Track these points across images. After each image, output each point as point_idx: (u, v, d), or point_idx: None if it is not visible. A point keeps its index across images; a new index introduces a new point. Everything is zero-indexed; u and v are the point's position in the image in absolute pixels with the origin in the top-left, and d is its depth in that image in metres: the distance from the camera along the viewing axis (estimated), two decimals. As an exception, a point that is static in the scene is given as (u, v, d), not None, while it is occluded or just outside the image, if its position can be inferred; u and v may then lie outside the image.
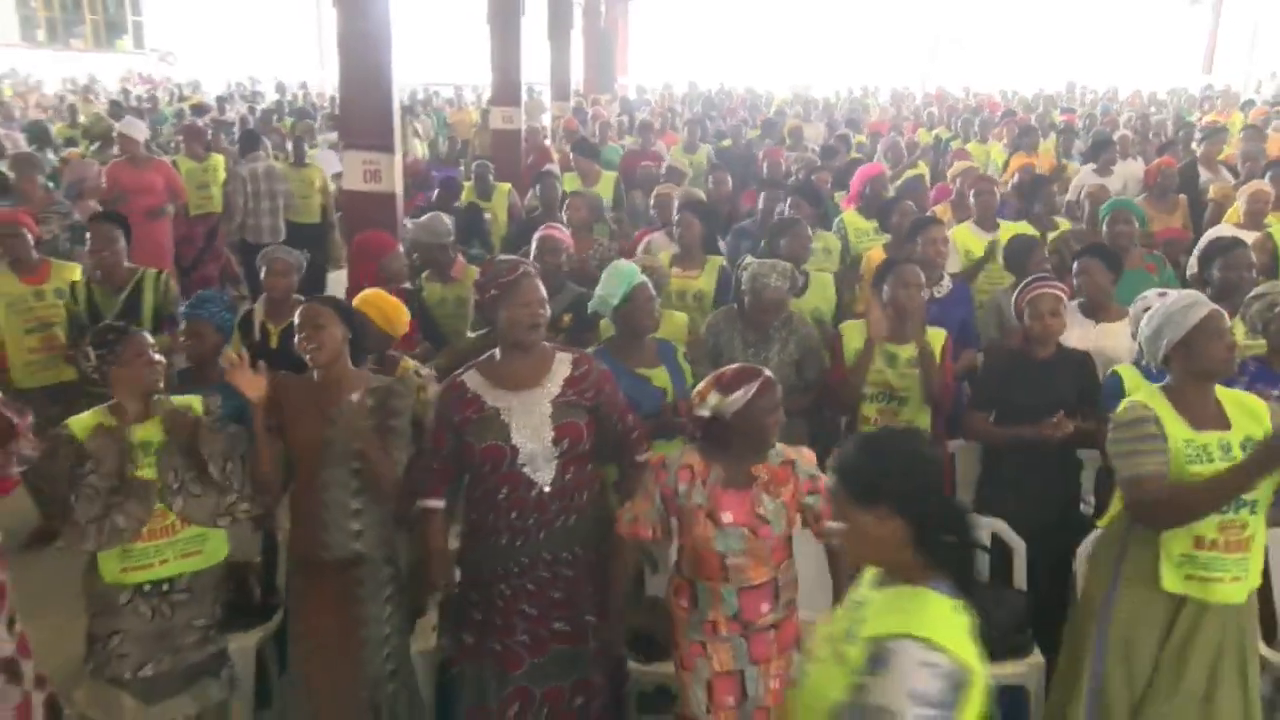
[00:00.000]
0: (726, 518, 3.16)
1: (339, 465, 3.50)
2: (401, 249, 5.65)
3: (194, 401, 3.57)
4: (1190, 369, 3.26)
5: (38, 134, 11.69)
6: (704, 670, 3.23)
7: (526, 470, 3.38)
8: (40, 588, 3.87)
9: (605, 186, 8.89)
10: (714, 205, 6.95)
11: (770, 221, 6.61)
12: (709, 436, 3.24)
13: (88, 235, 6.62)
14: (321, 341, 3.49)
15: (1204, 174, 8.85)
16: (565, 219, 6.53)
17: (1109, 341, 4.66)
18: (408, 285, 5.49)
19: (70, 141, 12.87)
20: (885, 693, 1.98)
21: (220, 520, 3.50)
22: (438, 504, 3.56)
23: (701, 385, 3.25)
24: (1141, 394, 3.36)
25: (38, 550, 3.47)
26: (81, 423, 3.44)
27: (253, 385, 3.41)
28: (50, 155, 11.03)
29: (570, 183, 8.83)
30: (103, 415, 3.48)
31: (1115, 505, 3.41)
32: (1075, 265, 4.86)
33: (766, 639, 3.25)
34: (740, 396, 3.12)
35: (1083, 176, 8.92)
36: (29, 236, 5.50)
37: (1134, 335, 3.79)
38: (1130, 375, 3.90)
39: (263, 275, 5.19)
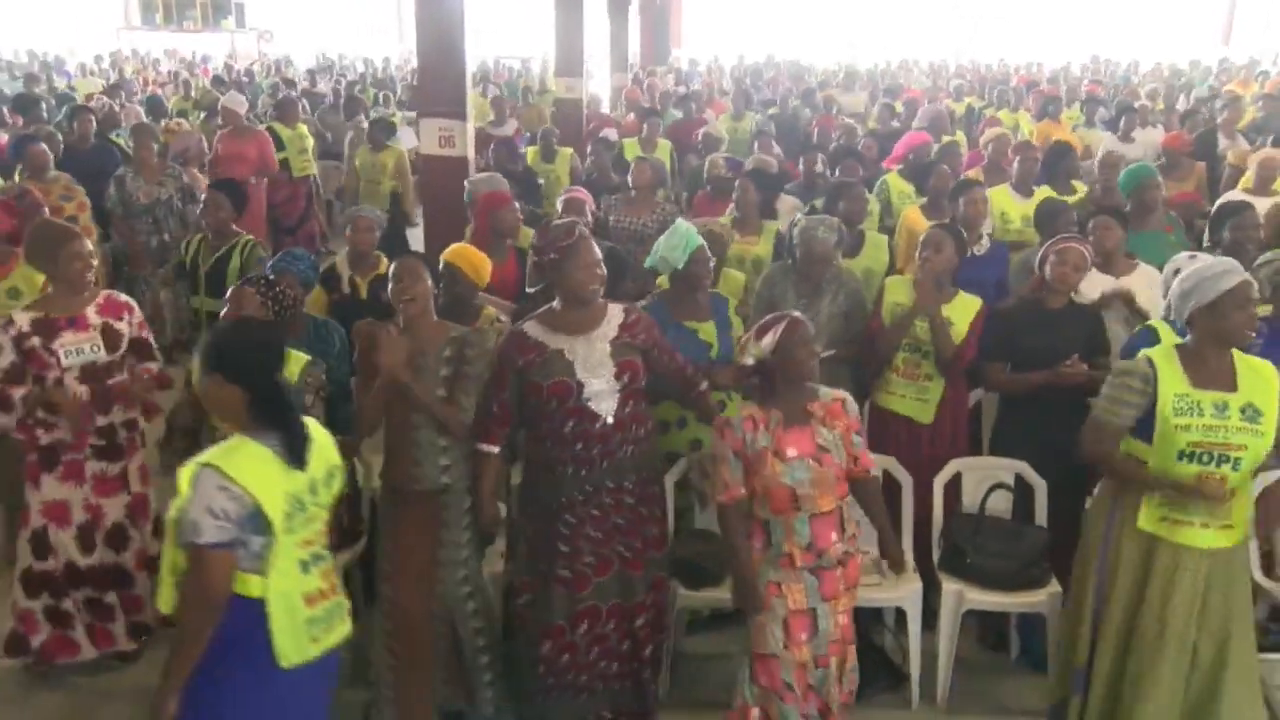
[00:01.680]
0: (791, 452, 3.16)
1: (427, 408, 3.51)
2: (516, 205, 5.57)
3: (294, 359, 3.55)
4: (1211, 332, 3.17)
5: (154, 107, 11.80)
6: (780, 609, 3.21)
7: (591, 404, 3.41)
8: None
9: (662, 153, 8.83)
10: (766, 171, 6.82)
11: (814, 184, 6.52)
12: (760, 385, 3.24)
13: (200, 197, 6.79)
14: (415, 294, 3.50)
15: (1223, 141, 8.59)
16: (630, 182, 6.47)
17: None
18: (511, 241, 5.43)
19: (182, 113, 12.98)
20: (191, 508, 2.45)
21: None
22: (492, 449, 3.57)
23: (741, 341, 3.28)
24: (1159, 348, 3.29)
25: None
26: None
27: (397, 354, 3.39)
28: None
29: (630, 149, 8.76)
30: None
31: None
32: (1090, 223, 4.74)
33: (834, 576, 3.24)
34: (772, 338, 3.16)
35: (1106, 143, 8.65)
36: None
37: (1164, 294, 3.69)
38: (1165, 331, 3.79)
39: (348, 232, 5.24)
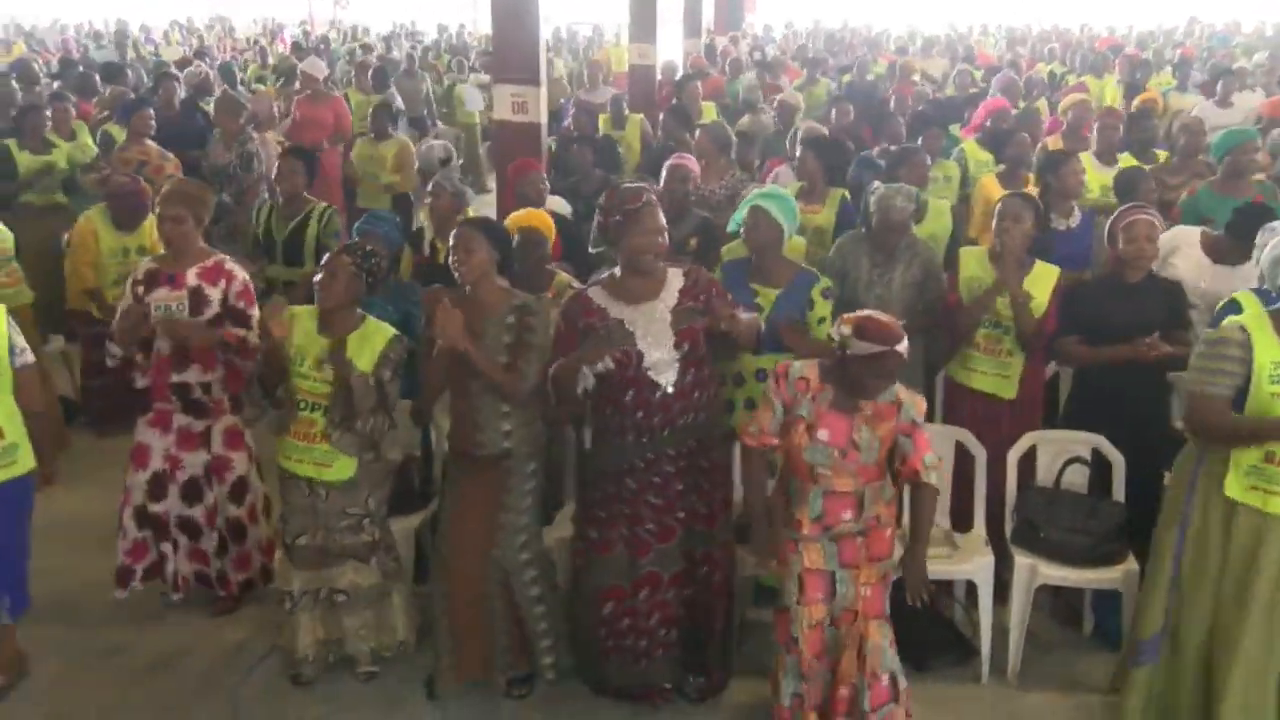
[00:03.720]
0: (822, 434, 3.13)
1: None
2: (541, 175, 5.59)
3: (378, 338, 3.61)
4: None
5: (225, 74, 12.00)
6: (795, 565, 3.23)
7: (651, 374, 3.41)
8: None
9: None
10: (836, 136, 6.73)
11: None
12: (835, 359, 3.17)
13: (253, 163, 7.00)
14: (470, 262, 3.52)
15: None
16: (694, 151, 6.41)
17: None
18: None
19: (260, 79, 13.19)
20: None
21: (365, 454, 3.64)
22: None
23: (852, 314, 3.15)
24: (1247, 314, 3.21)
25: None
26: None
27: (454, 324, 3.39)
28: (243, 91, 11.33)
29: (709, 113, 8.69)
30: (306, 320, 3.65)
31: None
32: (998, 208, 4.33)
33: (855, 544, 3.22)
34: (865, 348, 3.03)
35: (1201, 109, 8.32)
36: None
37: (1257, 261, 3.57)
38: (1249, 300, 3.67)
39: (426, 199, 5.27)
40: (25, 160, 6.64)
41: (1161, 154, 6.53)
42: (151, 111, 7.29)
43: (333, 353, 3.54)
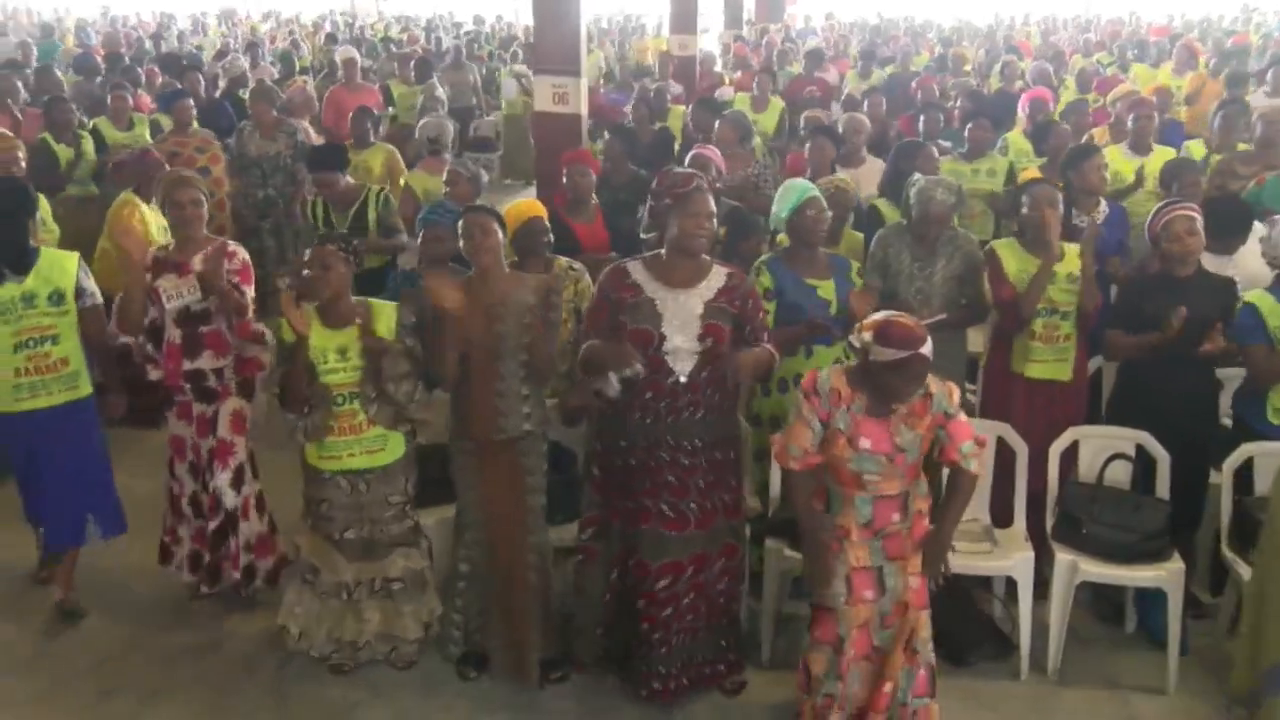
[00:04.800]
0: (865, 444, 3.08)
1: (511, 357, 3.57)
2: (586, 168, 5.58)
3: (388, 310, 3.67)
4: None
5: (285, 62, 12.08)
6: (841, 566, 3.18)
7: (668, 359, 3.40)
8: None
9: (772, 113, 8.74)
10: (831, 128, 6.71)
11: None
12: (859, 366, 3.11)
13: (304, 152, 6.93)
14: (485, 244, 3.59)
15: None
16: (715, 139, 6.43)
17: None
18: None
19: (302, 70, 13.31)
20: None
21: (400, 426, 3.68)
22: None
23: (871, 319, 3.09)
24: None
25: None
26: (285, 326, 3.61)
27: (452, 298, 3.44)
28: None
29: (741, 102, 8.66)
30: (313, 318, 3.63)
31: None
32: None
33: (900, 536, 3.19)
34: (889, 354, 2.96)
35: (1255, 99, 8.14)
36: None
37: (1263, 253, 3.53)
38: (1265, 301, 3.61)
39: (445, 188, 5.33)
40: (65, 153, 6.74)
41: (1194, 146, 6.42)
42: (191, 102, 7.36)
43: (365, 340, 3.58)
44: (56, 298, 3.87)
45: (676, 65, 11.84)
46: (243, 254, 4.12)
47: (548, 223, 4.35)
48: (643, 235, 3.86)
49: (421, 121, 7.23)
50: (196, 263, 3.96)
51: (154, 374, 4.14)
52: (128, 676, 3.86)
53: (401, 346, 3.62)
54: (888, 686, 3.18)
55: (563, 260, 4.45)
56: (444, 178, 5.38)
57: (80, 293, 3.93)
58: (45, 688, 3.79)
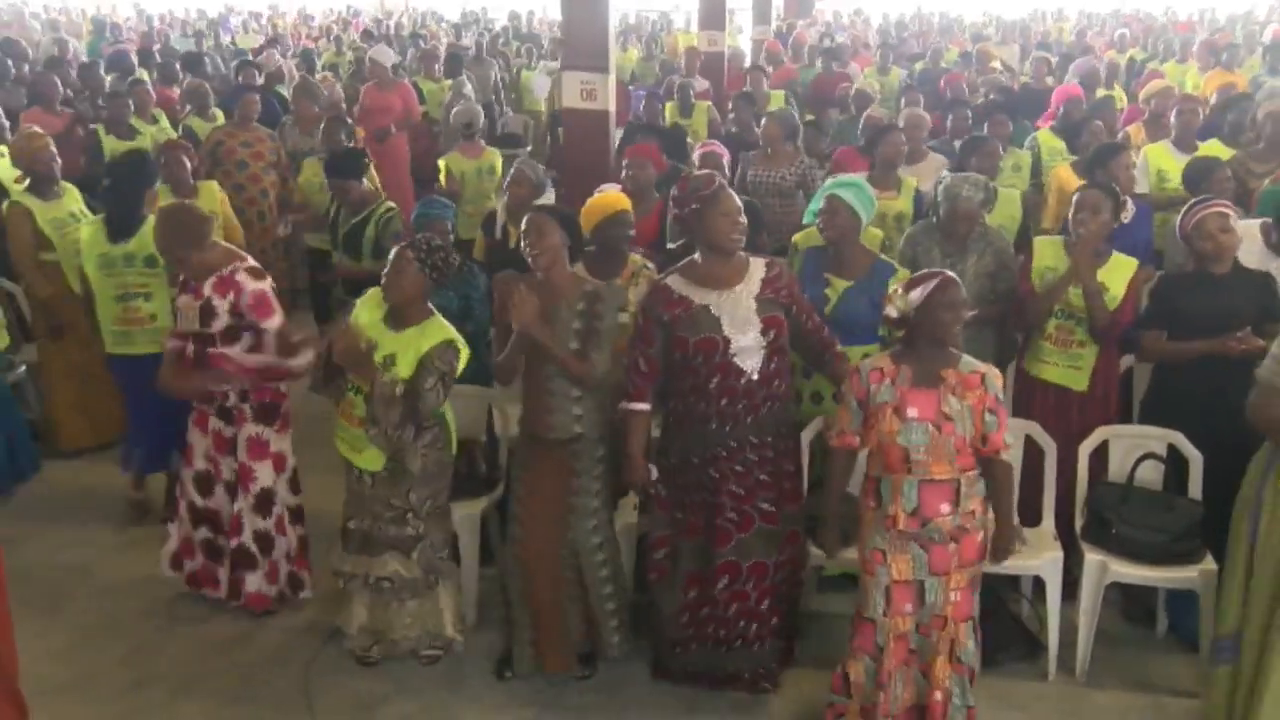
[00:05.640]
0: (912, 412, 3.10)
1: None
2: (646, 161, 5.54)
3: (432, 336, 3.60)
4: None
5: (306, 60, 12.18)
6: (883, 577, 3.18)
7: (737, 360, 3.42)
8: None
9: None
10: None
11: (961, 139, 6.32)
12: (901, 340, 3.20)
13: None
14: (543, 246, 3.56)
15: None
16: (761, 139, 6.38)
17: None
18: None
19: (333, 67, 13.38)
20: None
21: (390, 463, 3.67)
22: (643, 408, 3.56)
23: (890, 291, 3.20)
24: None
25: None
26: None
27: (529, 309, 3.44)
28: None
29: (775, 100, 8.64)
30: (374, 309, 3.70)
31: None
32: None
33: (947, 551, 3.15)
34: (919, 294, 3.09)
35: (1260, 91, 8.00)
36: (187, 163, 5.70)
37: None
38: None
39: (507, 184, 5.28)
40: (111, 145, 6.85)
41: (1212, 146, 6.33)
42: (255, 98, 7.41)
43: (357, 372, 3.59)
44: (150, 260, 4.52)
45: (704, 61, 11.80)
46: (253, 285, 3.95)
47: (629, 214, 4.24)
48: (669, 246, 3.86)
49: (455, 109, 7.28)
50: (207, 288, 3.93)
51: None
52: (159, 666, 3.91)
53: (400, 390, 3.52)
54: (938, 695, 3.19)
55: (637, 258, 4.33)
56: (510, 176, 5.20)
57: None
58: (78, 677, 3.84)
